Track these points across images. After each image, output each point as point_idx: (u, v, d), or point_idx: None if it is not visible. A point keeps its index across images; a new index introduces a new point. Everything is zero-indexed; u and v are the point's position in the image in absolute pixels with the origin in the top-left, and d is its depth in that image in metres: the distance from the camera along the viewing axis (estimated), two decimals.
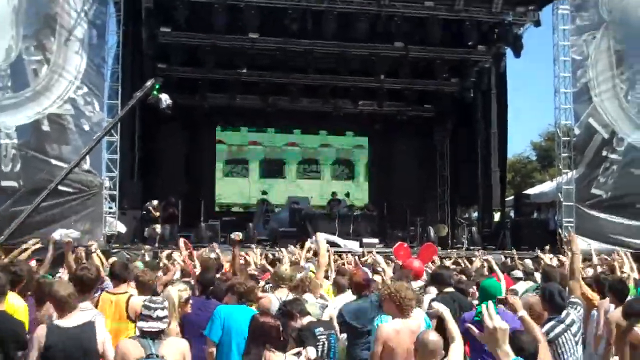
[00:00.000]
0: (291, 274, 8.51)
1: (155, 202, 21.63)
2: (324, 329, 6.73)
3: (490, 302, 4.14)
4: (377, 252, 13.39)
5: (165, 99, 17.76)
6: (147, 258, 14.33)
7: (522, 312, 6.06)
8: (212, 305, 7.22)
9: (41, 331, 5.93)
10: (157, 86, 17.79)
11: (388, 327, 6.56)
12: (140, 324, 5.72)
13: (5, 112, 18.51)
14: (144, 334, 5.65)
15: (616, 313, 7.68)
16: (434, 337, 5.45)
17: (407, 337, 6.36)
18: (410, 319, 6.57)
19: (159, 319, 5.67)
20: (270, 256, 13.95)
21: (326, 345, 6.62)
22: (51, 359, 5.82)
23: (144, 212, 21.49)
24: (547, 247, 14.05)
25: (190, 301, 7.12)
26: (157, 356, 5.46)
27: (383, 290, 6.77)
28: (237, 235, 9.79)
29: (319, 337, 6.52)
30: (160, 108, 18.02)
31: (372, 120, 28.73)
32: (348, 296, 8.52)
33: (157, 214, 21.40)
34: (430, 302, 6.02)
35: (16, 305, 6.79)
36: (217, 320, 6.73)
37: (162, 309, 5.73)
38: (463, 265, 13.48)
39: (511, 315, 6.82)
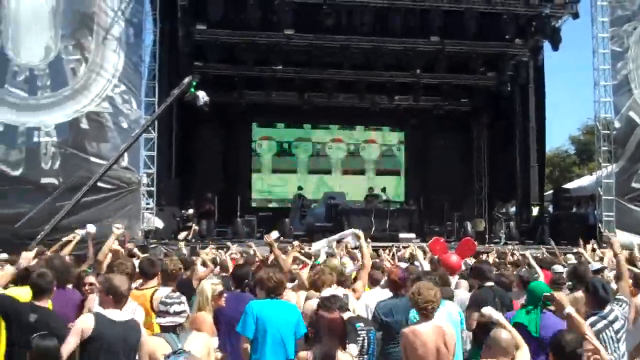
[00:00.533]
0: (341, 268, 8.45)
1: (190, 211, 21.75)
2: (364, 324, 6.71)
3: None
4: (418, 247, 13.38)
5: (202, 96, 17.88)
6: (184, 252, 14.40)
7: (570, 309, 5.96)
8: (247, 299, 7.20)
9: (88, 320, 5.90)
10: (194, 83, 17.92)
11: (407, 331, 6.46)
12: (158, 320, 5.76)
13: (45, 111, 18.77)
14: (163, 329, 5.69)
15: None
16: (506, 335, 5.41)
17: (431, 336, 6.29)
18: (433, 318, 6.45)
19: (176, 313, 5.69)
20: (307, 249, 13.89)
21: (366, 340, 6.59)
22: (94, 348, 5.80)
23: (179, 219, 21.58)
24: (592, 244, 13.83)
25: (225, 295, 7.10)
26: (185, 351, 5.43)
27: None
28: (268, 236, 9.72)
29: (359, 333, 6.49)
30: (197, 105, 18.14)
31: (408, 115, 28.59)
32: (379, 291, 8.53)
33: (192, 224, 21.47)
34: (481, 310, 5.91)
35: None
36: (249, 316, 6.68)
37: (179, 303, 5.75)
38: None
39: (555, 319, 6.77)
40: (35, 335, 5.08)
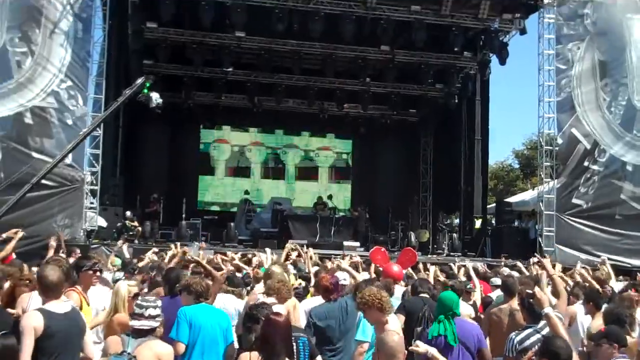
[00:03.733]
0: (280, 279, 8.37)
1: (128, 214, 21.41)
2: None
3: None
4: (359, 255, 13.44)
5: (155, 97, 17.64)
6: (126, 255, 14.21)
7: (547, 309, 6.03)
8: (179, 304, 7.13)
9: (36, 317, 5.72)
10: (147, 84, 17.69)
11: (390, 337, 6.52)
12: (132, 322, 5.78)
13: None
14: (135, 332, 5.70)
15: (595, 323, 7.77)
16: (396, 337, 5.40)
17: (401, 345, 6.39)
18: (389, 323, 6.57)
19: (151, 317, 5.76)
20: (250, 256, 13.88)
21: (294, 347, 6.56)
22: (51, 345, 5.67)
23: (122, 226, 21.20)
24: (534, 259, 13.94)
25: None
26: (129, 354, 5.46)
27: (360, 301, 6.65)
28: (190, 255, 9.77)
29: None
30: (150, 107, 17.92)
31: (356, 123, 28.75)
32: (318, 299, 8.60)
33: (136, 224, 21.20)
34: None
35: None
36: (183, 322, 6.65)
37: (155, 307, 5.82)
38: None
39: (468, 324, 7.03)
40: None
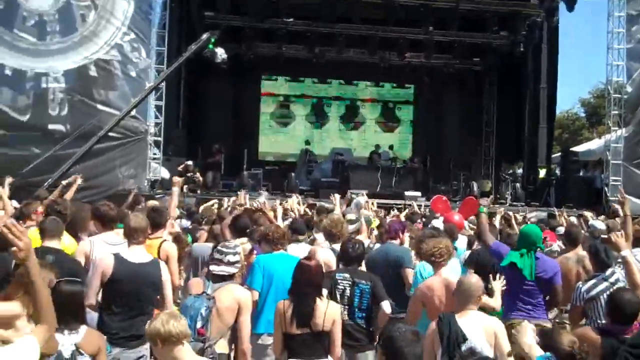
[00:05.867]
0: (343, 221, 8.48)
1: (190, 163, 21.53)
2: (349, 275, 6.78)
3: None
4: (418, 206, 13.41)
5: (220, 53, 17.75)
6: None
7: (625, 252, 5.96)
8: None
9: (108, 261, 6.08)
10: (213, 40, 17.76)
11: (422, 286, 6.78)
12: (212, 267, 5.91)
13: (53, 57, 18.68)
14: (213, 277, 5.84)
15: None
16: (475, 280, 5.51)
17: (441, 289, 6.51)
18: (444, 270, 6.67)
19: (230, 263, 5.87)
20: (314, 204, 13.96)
21: (347, 291, 6.67)
22: (114, 290, 6.01)
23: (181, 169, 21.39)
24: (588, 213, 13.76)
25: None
26: (208, 295, 5.58)
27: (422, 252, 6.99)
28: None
29: (339, 282, 6.72)
30: (215, 62, 17.99)
31: (419, 72, 28.34)
32: None
33: (197, 175, 21.34)
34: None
35: (66, 244, 6.95)
36: (257, 270, 6.78)
37: (234, 254, 5.93)
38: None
39: (549, 261, 7.13)
40: (60, 279, 5.11)
